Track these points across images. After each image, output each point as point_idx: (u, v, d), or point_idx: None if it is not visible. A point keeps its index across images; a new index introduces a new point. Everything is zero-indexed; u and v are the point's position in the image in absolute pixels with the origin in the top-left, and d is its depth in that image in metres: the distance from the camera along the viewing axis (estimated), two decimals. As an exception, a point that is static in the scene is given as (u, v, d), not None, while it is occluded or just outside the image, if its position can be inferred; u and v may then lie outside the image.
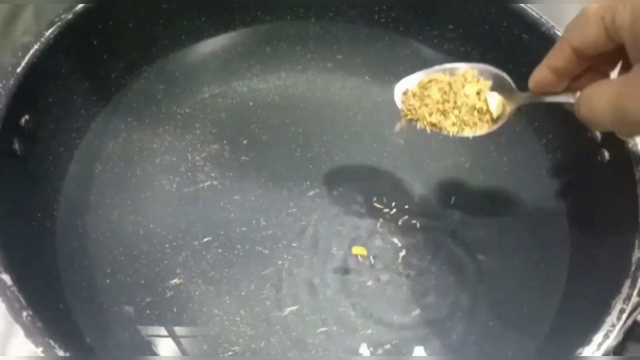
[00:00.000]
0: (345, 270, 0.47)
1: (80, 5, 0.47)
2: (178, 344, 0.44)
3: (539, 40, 0.50)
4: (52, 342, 0.33)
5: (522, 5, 0.50)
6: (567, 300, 0.45)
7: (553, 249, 0.48)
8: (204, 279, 0.46)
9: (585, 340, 0.36)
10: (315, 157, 0.53)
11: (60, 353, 0.32)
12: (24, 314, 0.33)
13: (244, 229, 0.49)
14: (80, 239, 0.47)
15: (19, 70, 0.42)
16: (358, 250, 0.48)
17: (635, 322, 0.38)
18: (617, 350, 0.37)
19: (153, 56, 0.56)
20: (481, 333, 0.45)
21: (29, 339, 0.32)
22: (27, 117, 0.43)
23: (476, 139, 0.54)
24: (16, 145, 0.42)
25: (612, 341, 0.36)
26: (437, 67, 0.42)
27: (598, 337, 0.36)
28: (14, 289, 0.34)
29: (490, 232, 0.50)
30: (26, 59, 0.43)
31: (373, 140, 0.54)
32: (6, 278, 0.34)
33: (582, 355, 0.36)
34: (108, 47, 0.51)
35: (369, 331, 0.45)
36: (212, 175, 0.52)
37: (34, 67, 0.43)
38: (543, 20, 0.49)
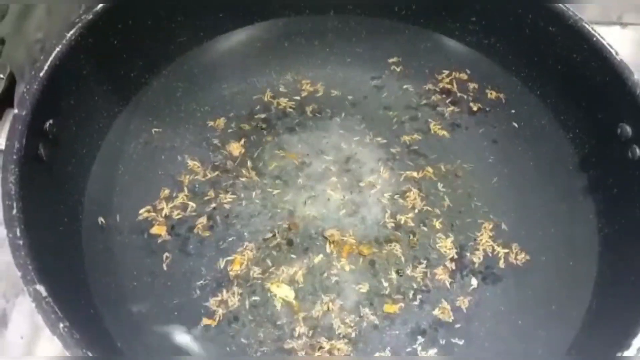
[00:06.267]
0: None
1: (100, 5, 0.46)
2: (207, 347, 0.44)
3: (565, 32, 0.49)
4: (89, 354, 0.33)
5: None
6: (598, 299, 0.45)
7: (581, 247, 0.48)
8: (232, 280, 0.47)
9: (623, 344, 0.35)
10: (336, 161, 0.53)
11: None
12: (61, 325, 0.33)
13: (267, 227, 0.49)
14: (106, 241, 0.47)
15: (41, 74, 0.41)
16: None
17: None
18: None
19: (172, 54, 0.55)
20: (509, 331, 0.45)
21: (66, 350, 0.32)
22: (51, 121, 0.42)
23: (500, 132, 0.54)
24: (42, 151, 0.41)
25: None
26: None
27: (638, 341, 0.35)
28: (49, 299, 0.33)
29: (515, 228, 0.49)
30: (49, 61, 0.42)
31: (394, 136, 0.54)
32: (41, 289, 0.34)
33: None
34: (128, 46, 0.50)
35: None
36: (235, 174, 0.51)
37: (56, 70, 0.42)
38: (570, 13, 0.48)
